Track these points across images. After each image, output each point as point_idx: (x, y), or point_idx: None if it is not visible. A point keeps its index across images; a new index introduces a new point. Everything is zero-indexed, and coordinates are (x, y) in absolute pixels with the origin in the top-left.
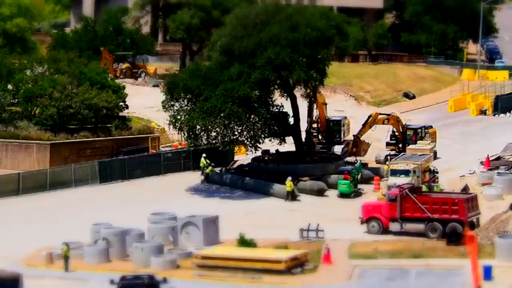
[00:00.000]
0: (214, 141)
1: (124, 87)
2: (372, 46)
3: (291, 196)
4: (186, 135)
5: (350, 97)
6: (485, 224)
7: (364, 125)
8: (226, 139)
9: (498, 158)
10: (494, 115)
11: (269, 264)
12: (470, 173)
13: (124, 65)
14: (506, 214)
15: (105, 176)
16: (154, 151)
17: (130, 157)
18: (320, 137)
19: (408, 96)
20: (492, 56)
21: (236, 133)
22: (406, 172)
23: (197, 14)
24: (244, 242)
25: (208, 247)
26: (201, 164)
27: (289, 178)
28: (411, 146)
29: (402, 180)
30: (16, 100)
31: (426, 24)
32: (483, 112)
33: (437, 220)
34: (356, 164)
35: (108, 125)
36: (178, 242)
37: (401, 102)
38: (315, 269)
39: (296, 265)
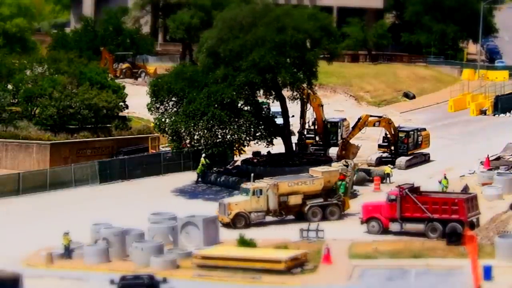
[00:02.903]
0: (197, 144)
1: (124, 87)
2: (372, 46)
3: None
4: (170, 138)
5: (350, 97)
6: (485, 224)
7: (353, 127)
8: (209, 142)
9: (498, 158)
10: (494, 115)
11: (269, 264)
12: (470, 173)
13: (124, 65)
14: (506, 214)
15: (105, 176)
16: (154, 151)
17: (130, 157)
18: (317, 138)
19: (408, 96)
20: (492, 56)
21: (219, 136)
22: (247, 191)
23: (197, 14)
24: (244, 242)
25: (208, 247)
26: (201, 165)
27: None
28: (316, 168)
29: (238, 198)
30: (16, 100)
31: (426, 24)
32: (483, 112)
33: (437, 220)
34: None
35: (108, 125)
36: (178, 242)
37: (401, 102)
38: (315, 269)
39: (296, 265)
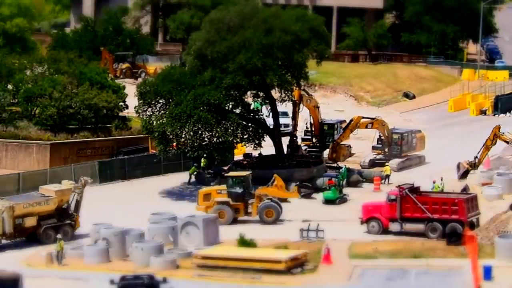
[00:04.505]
0: (183, 147)
1: (124, 87)
2: (372, 46)
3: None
4: (157, 140)
5: (350, 97)
6: (485, 224)
7: (344, 129)
8: (195, 145)
9: (498, 158)
10: (494, 115)
11: (269, 264)
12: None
13: (124, 65)
14: (506, 214)
15: (105, 176)
16: (154, 151)
17: (130, 157)
18: (314, 140)
19: (408, 96)
20: (492, 56)
21: (206, 139)
22: None
23: (197, 14)
24: (244, 242)
25: (208, 247)
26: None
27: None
28: (47, 187)
29: None
30: (16, 100)
31: (426, 24)
32: (483, 112)
33: (437, 220)
34: (341, 170)
35: (108, 125)
36: (178, 242)
37: (401, 102)
38: (315, 269)
39: (296, 265)
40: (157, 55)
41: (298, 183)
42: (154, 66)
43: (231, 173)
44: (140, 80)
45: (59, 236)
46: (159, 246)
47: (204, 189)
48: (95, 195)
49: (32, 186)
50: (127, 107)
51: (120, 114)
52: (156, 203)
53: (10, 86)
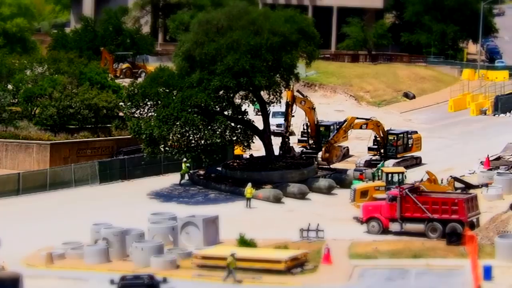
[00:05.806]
0: (170, 150)
1: (124, 87)
2: (372, 46)
3: (250, 203)
4: (145, 143)
5: (350, 97)
6: (485, 224)
7: (338, 130)
8: (183, 147)
9: (498, 158)
10: (494, 115)
11: (269, 264)
12: (470, 173)
13: (124, 65)
14: (506, 214)
15: (105, 176)
16: None
17: (130, 157)
18: (310, 141)
19: (408, 96)
20: (492, 56)
21: (193, 141)
22: None
23: (197, 14)
24: (244, 242)
25: (208, 247)
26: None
27: (249, 184)
28: None
29: None
30: (16, 100)
31: (426, 24)
32: (483, 112)
33: (437, 220)
34: (379, 165)
35: (108, 125)
36: (178, 242)
37: (401, 102)
38: (315, 269)
39: (296, 265)
40: (157, 55)
41: (452, 176)
42: (154, 66)
43: (388, 169)
44: (140, 80)
45: (232, 251)
46: (159, 246)
47: (361, 186)
48: (95, 195)
49: (32, 186)
50: None
51: (120, 114)
52: (156, 203)
53: (10, 86)
